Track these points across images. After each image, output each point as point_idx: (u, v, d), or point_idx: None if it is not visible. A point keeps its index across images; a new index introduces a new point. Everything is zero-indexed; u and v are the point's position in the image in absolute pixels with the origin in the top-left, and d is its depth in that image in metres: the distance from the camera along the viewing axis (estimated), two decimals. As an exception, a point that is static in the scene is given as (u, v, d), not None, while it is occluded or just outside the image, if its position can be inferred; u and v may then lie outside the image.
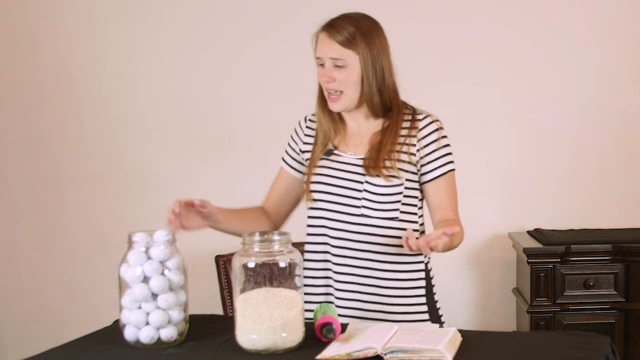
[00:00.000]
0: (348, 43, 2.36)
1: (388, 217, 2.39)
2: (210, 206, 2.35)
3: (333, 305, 2.26)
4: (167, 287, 2.09)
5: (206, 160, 4.01)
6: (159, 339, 2.09)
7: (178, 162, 4.01)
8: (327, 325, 2.09)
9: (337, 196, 2.42)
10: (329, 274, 2.45)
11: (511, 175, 3.97)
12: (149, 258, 2.10)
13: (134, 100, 4.03)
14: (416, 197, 2.44)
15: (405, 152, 2.41)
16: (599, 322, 3.59)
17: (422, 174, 2.43)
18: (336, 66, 2.37)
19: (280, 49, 3.94)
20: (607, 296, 3.60)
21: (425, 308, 2.44)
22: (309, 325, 2.10)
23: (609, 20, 3.91)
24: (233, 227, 2.45)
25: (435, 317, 2.46)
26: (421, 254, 2.42)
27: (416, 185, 2.44)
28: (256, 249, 2.05)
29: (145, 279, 2.09)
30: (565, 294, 3.61)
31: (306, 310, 2.31)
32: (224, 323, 2.26)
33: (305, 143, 2.54)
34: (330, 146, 2.48)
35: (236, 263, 2.06)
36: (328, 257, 2.44)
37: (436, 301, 2.48)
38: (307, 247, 2.49)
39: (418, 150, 2.42)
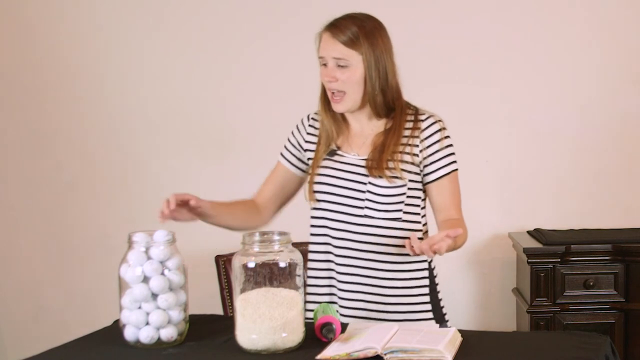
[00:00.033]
0: (351, 43, 2.36)
1: (391, 218, 2.39)
2: (203, 205, 2.35)
3: (333, 305, 2.26)
4: (167, 287, 2.10)
5: (206, 160, 4.01)
6: (159, 339, 2.09)
7: (178, 162, 4.01)
8: (327, 325, 2.09)
9: (340, 197, 2.42)
10: (332, 274, 2.45)
11: (511, 175, 3.97)
12: (149, 258, 2.10)
13: (133, 100, 4.03)
14: (419, 198, 2.44)
15: (408, 153, 2.41)
16: (599, 322, 3.59)
17: (425, 174, 2.43)
18: (339, 66, 2.37)
19: (280, 49, 3.94)
20: (607, 296, 3.60)
21: (429, 307, 2.44)
22: (309, 325, 2.10)
23: (609, 20, 3.91)
24: (223, 221, 2.46)
25: (439, 315, 2.46)
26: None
27: (419, 186, 2.44)
28: (256, 249, 2.05)
29: (145, 279, 2.09)
30: (565, 294, 3.61)
31: (310, 310, 2.32)
32: (224, 323, 2.26)
33: (307, 142, 2.53)
34: (333, 146, 2.48)
35: (236, 263, 2.06)
36: (330, 257, 2.45)
37: (440, 299, 2.48)
38: (311, 248, 2.49)
39: (421, 151, 2.42)
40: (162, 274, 2.10)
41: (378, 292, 2.41)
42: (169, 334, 2.10)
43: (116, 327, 2.18)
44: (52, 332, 3.89)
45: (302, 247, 2.30)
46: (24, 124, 4.08)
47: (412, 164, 2.41)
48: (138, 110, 4.03)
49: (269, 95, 3.96)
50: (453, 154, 2.45)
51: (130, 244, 2.12)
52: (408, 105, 2.47)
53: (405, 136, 2.42)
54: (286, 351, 2.02)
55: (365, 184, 2.40)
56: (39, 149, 4.08)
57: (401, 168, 2.39)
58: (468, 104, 3.91)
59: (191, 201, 2.31)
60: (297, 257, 2.07)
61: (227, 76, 3.98)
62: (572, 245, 3.60)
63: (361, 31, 2.36)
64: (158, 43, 4.01)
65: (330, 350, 2.00)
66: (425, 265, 2.44)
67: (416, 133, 2.42)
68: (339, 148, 2.48)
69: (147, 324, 2.09)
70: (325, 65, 2.40)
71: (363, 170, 2.41)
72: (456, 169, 2.45)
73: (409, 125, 2.43)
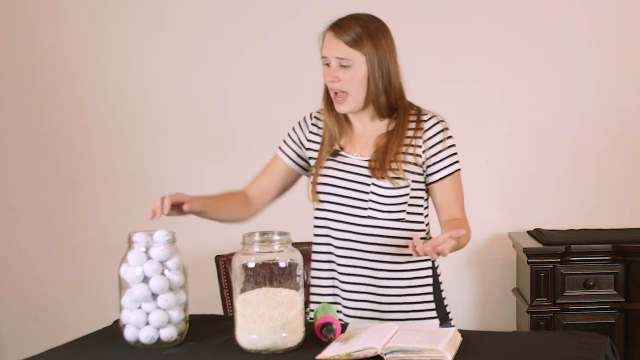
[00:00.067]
0: (354, 43, 2.35)
1: (394, 219, 2.39)
2: (196, 208, 2.34)
3: (334, 306, 2.26)
4: (167, 287, 2.09)
5: (206, 160, 4.01)
6: (159, 339, 2.09)
7: (178, 162, 4.01)
8: (327, 325, 2.09)
9: (343, 197, 2.41)
10: (334, 274, 2.45)
11: (511, 175, 3.97)
12: (149, 258, 2.10)
13: (133, 100, 4.03)
14: (422, 198, 2.44)
15: (411, 154, 2.41)
16: (599, 322, 3.59)
17: (428, 175, 2.43)
18: (342, 66, 2.37)
19: (280, 49, 3.94)
20: (607, 296, 3.60)
21: (432, 306, 2.44)
22: (309, 325, 2.10)
23: (609, 20, 3.91)
24: (213, 216, 2.45)
25: (443, 314, 2.45)
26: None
27: (422, 186, 2.43)
28: (256, 249, 2.05)
29: (145, 279, 2.09)
30: (565, 294, 3.61)
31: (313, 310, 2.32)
32: (224, 323, 2.26)
33: (309, 140, 2.53)
34: (336, 147, 2.47)
35: (236, 263, 2.06)
36: (332, 257, 2.44)
37: (444, 298, 2.48)
38: (314, 248, 2.49)
39: (424, 151, 2.42)
40: (162, 274, 2.10)
41: (381, 293, 2.40)
42: (169, 334, 2.10)
43: (116, 327, 2.18)
44: (52, 332, 3.89)
45: (302, 247, 2.30)
46: (24, 124, 4.08)
47: (415, 164, 2.41)
48: (138, 110, 4.03)
49: (269, 95, 3.96)
50: (456, 153, 2.45)
51: (130, 244, 2.12)
52: (411, 105, 2.46)
53: (408, 137, 2.42)
54: (286, 351, 2.02)
55: (368, 185, 2.39)
56: (39, 149, 4.08)
57: (404, 169, 2.39)
58: (468, 104, 3.91)
59: (184, 206, 2.30)
60: (297, 257, 2.07)
61: (227, 76, 3.98)
62: (572, 245, 3.60)
63: (364, 31, 2.36)
64: (158, 43, 4.01)
65: (330, 350, 2.00)
66: (429, 264, 2.44)
67: (419, 133, 2.42)
68: (342, 149, 2.47)
69: (147, 324, 2.09)
70: (328, 65, 2.40)
71: (366, 171, 2.40)
72: (459, 169, 2.45)
73: (412, 125, 2.43)
